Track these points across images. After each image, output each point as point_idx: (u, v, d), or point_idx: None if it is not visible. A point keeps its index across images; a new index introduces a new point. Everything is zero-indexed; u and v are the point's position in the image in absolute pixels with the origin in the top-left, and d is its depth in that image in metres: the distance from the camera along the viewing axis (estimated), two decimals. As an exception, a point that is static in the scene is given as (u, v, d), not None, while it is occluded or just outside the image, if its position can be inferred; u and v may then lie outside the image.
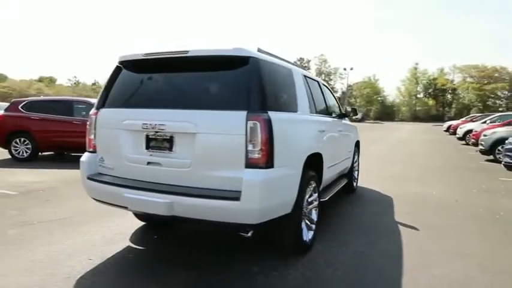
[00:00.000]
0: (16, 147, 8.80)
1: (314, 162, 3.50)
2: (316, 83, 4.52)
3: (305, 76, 3.99)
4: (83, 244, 3.55)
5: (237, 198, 2.54)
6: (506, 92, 55.70)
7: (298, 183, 3.06)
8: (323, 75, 70.44)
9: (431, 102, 63.52)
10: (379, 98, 67.07)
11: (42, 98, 12.68)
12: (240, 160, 2.61)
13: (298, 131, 3.28)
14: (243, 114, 2.62)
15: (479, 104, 55.34)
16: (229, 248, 3.59)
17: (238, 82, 2.76)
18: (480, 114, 25.18)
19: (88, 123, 3.33)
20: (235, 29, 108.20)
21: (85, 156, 3.32)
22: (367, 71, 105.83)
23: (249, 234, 2.81)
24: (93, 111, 3.33)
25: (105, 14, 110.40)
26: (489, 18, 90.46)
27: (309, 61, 74.84)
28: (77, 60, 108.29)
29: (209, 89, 2.94)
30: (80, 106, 9.45)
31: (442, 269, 3.12)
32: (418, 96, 64.82)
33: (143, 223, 4.09)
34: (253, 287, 2.81)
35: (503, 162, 8.21)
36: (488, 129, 12.67)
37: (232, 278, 2.91)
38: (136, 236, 3.81)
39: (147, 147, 2.96)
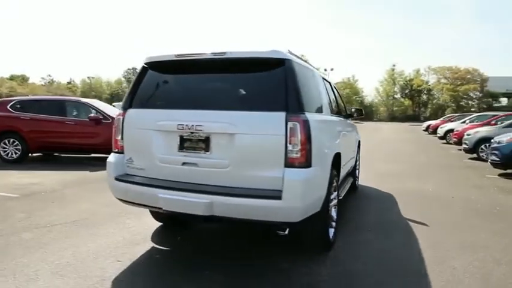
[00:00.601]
0: (5, 148, 8.49)
1: (334, 161, 3.61)
2: (329, 84, 4.65)
3: (322, 77, 4.10)
4: (106, 246, 3.51)
5: (279, 197, 2.60)
6: (478, 93, 58.05)
7: (328, 181, 3.15)
8: (303, 76, 71.02)
9: (407, 102, 65.43)
10: (358, 98, 68.45)
11: (31, 97, 12.23)
12: (279, 160, 2.68)
13: (327, 131, 3.38)
14: (282, 115, 2.68)
15: (453, 105, 57.46)
16: (252, 245, 3.65)
17: (275, 84, 2.82)
18: (457, 114, 26.22)
19: (115, 123, 3.30)
20: (210, 28, 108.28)
21: (112, 157, 3.29)
22: (348, 71, 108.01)
23: (286, 232, 2.87)
24: (119, 111, 3.31)
25: (80, 12, 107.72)
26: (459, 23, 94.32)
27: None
28: (50, 58, 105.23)
29: (245, 90, 2.98)
30: (72, 106, 9.25)
31: (461, 262, 3.29)
32: (395, 96, 66.63)
33: (159, 224, 4.07)
34: (287, 282, 2.88)
35: (489, 161, 8.62)
36: (469, 128, 13.26)
37: (265, 274, 2.97)
38: (158, 237, 3.80)
39: (181, 148, 2.97)
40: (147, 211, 3.89)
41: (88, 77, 75.48)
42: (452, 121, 21.24)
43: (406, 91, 65.25)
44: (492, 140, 8.88)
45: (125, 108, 3.26)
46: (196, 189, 2.80)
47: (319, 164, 2.92)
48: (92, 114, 8.66)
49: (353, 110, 5.79)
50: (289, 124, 2.65)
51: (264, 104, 2.79)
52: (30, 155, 8.88)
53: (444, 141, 17.98)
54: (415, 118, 56.83)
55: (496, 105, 53.51)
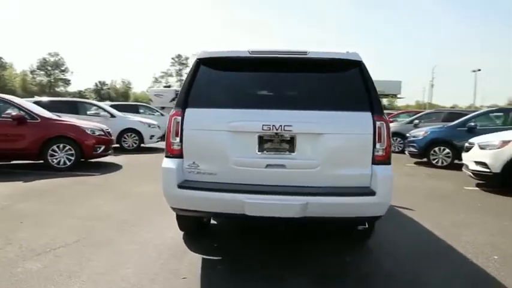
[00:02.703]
0: None
1: None
2: None
3: None
4: (147, 264, 3.08)
5: (373, 193, 2.74)
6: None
7: None
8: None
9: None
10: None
11: None
12: (367, 157, 2.81)
13: None
14: (368, 115, 2.82)
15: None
16: (302, 241, 3.69)
17: (356, 84, 2.92)
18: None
19: (170, 124, 2.93)
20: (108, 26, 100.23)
21: (169, 162, 2.92)
22: None
23: (366, 226, 3.02)
24: (174, 111, 2.95)
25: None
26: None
27: (187, 58, 74.26)
28: None
29: (327, 90, 2.99)
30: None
31: (467, 237, 3.93)
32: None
33: (174, 233, 3.72)
34: (348, 275, 3.02)
35: (407, 151, 10.28)
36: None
37: (342, 275, 3.03)
38: (194, 246, 3.46)
39: (261, 149, 2.84)
40: (144, 220, 3.56)
41: None
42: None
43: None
44: (408, 135, 10.58)
45: (182, 108, 2.92)
46: (289, 191, 2.73)
47: None
48: (14, 113, 7.17)
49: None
50: (378, 123, 2.81)
51: (348, 104, 2.88)
52: None
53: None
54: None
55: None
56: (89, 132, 7.68)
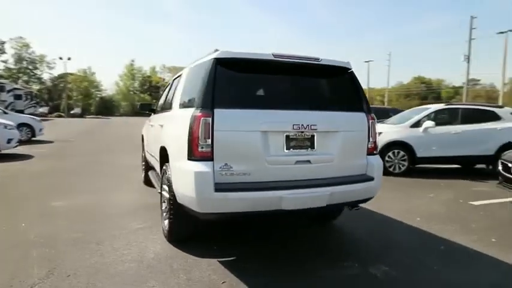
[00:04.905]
0: None
1: None
2: None
3: None
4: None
5: (372, 179, 3.35)
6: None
7: None
8: (25, 62, 59.62)
9: (147, 97, 68.54)
10: (97, 92, 64.90)
11: None
12: (364, 150, 3.40)
13: None
14: (364, 114, 3.40)
15: (187, 101, 65.69)
16: (288, 231, 4.00)
17: (352, 88, 3.43)
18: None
19: (198, 126, 2.78)
20: None
21: (200, 166, 2.78)
22: (86, 62, 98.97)
23: (359, 207, 3.58)
24: (201, 112, 2.81)
25: None
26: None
27: (3, 43, 60.75)
28: None
29: (334, 93, 3.40)
30: None
31: (430, 207, 5.09)
32: (136, 91, 68.14)
33: (174, 244, 3.53)
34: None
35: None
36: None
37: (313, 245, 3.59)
38: (199, 252, 3.36)
39: (288, 147, 3.03)
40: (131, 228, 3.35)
41: None
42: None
43: (145, 87, 68.25)
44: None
45: (210, 108, 2.82)
46: (317, 183, 3.04)
47: None
48: None
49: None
50: (370, 122, 3.41)
51: (350, 105, 3.38)
52: None
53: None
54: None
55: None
56: None
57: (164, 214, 3.78)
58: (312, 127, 3.08)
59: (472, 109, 8.41)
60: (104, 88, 67.11)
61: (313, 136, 3.15)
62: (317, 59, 3.24)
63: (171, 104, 4.06)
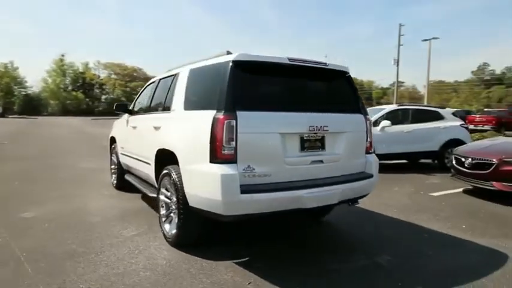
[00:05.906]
0: None
1: None
2: None
3: None
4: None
5: (372, 176, 3.60)
6: (144, 90, 66.37)
7: None
8: None
9: (80, 95, 63.72)
10: (21, 90, 58.72)
11: None
12: (363, 149, 3.64)
13: None
14: (362, 116, 3.64)
15: (124, 99, 62.38)
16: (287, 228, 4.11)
17: (351, 90, 3.65)
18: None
19: (221, 128, 2.76)
20: None
21: (225, 168, 2.77)
22: (8, 56, 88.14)
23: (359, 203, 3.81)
24: (223, 114, 2.79)
25: None
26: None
27: None
28: None
29: (339, 95, 3.58)
30: None
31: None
32: (67, 89, 62.93)
33: (182, 250, 3.45)
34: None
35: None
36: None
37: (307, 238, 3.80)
38: (213, 255, 3.33)
39: (302, 148, 3.14)
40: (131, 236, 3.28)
41: None
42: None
43: (78, 84, 63.37)
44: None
45: (232, 111, 2.82)
46: (330, 182, 3.20)
47: None
48: None
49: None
50: (367, 122, 3.67)
51: (351, 108, 3.59)
52: None
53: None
54: (89, 112, 56.89)
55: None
56: None
57: (164, 219, 3.67)
58: (324, 128, 3.23)
59: (420, 109, 9.33)
60: (28, 85, 60.87)
61: (323, 137, 3.30)
62: (325, 64, 3.40)
63: (167, 105, 3.93)
